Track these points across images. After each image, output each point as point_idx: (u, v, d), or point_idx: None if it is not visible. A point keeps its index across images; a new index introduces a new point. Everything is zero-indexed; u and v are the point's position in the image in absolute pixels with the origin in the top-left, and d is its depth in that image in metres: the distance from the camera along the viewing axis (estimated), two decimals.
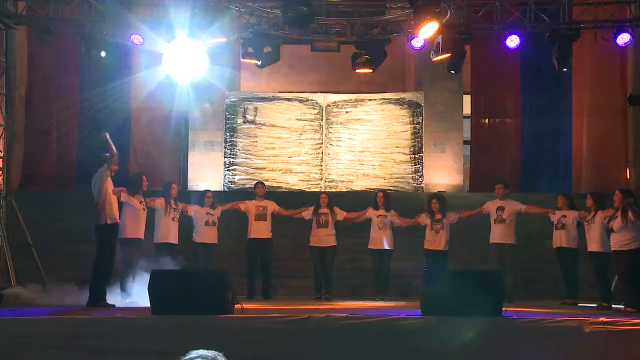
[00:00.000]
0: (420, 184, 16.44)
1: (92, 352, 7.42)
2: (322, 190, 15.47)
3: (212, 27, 11.66)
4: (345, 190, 16.26)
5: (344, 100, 16.93)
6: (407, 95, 17.05)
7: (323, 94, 17.11)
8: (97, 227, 10.00)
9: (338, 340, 7.54)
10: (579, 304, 11.43)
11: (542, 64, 13.50)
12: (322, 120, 16.77)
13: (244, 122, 16.78)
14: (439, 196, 12.74)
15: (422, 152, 16.60)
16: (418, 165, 16.57)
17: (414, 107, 16.76)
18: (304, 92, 17.40)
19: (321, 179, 16.51)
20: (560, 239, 11.87)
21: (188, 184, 16.60)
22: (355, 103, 16.91)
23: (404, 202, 14.13)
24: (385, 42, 13.40)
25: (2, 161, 13.09)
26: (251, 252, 12.43)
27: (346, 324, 7.63)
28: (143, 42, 13.04)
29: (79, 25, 12.85)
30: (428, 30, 11.53)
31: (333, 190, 15.79)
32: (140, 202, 11.06)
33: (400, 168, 16.65)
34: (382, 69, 14.25)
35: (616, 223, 10.35)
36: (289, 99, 17.01)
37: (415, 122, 16.74)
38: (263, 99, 17.01)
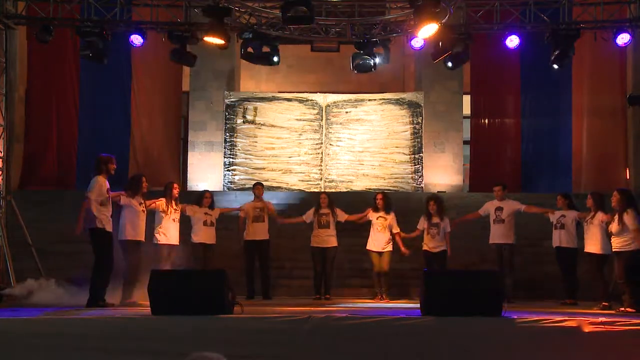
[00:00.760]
0: (420, 184, 16.45)
1: (92, 351, 7.41)
2: (322, 190, 15.46)
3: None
4: (345, 190, 16.27)
5: (344, 101, 16.95)
6: (407, 96, 17.06)
7: (323, 94, 17.13)
8: (91, 230, 9.99)
9: (338, 341, 7.53)
10: (579, 304, 11.43)
11: (542, 64, 13.49)
12: (321, 121, 16.78)
13: (243, 122, 16.80)
14: (436, 198, 12.68)
15: (422, 152, 16.61)
16: (418, 166, 16.58)
17: (413, 107, 16.77)
18: (303, 92, 17.43)
19: (321, 179, 16.52)
20: (559, 238, 11.89)
21: (188, 183, 16.63)
22: (355, 103, 16.93)
23: (403, 202, 14.15)
24: (385, 43, 13.41)
25: (2, 161, 13.09)
26: (249, 252, 12.38)
27: (346, 325, 7.61)
28: (143, 42, 13.07)
29: (78, 25, 12.82)
30: (428, 30, 11.55)
31: (333, 190, 15.79)
32: (140, 204, 10.94)
33: (400, 168, 16.66)
34: (381, 69, 14.26)
35: (614, 227, 10.39)
36: (288, 99, 17.03)
37: (415, 122, 16.75)
38: (263, 99, 17.03)
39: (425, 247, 12.16)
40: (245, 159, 16.66)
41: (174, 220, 11.69)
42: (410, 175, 16.62)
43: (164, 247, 11.53)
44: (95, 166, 10.18)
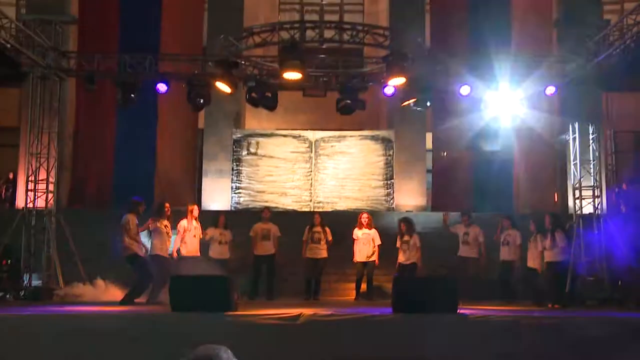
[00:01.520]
0: (391, 205, 16.44)
1: (124, 340, 7.39)
2: (312, 209, 15.47)
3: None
4: (330, 210, 16.22)
5: (330, 137, 16.96)
6: (381, 133, 17.09)
7: (312, 131, 17.13)
8: (128, 257, 10.50)
9: (324, 332, 7.51)
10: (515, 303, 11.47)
11: None
12: (311, 153, 16.78)
13: (247, 153, 16.78)
14: (405, 220, 12.52)
15: (393, 179, 16.62)
16: (390, 190, 16.57)
17: (386, 142, 16.80)
18: (296, 130, 17.42)
19: (311, 201, 16.50)
20: (505, 253, 11.94)
21: (202, 204, 16.55)
22: (338, 139, 16.95)
23: (377, 219, 14.10)
24: (363, 90, 13.44)
25: (54, 186, 13.04)
26: (258, 265, 12.22)
27: (330, 320, 7.61)
28: (167, 89, 13.07)
29: (116, 76, 12.84)
30: (397, 80, 11.62)
31: (320, 209, 15.73)
32: (165, 227, 11.15)
33: (375, 192, 16.65)
34: (360, 111, 14.27)
35: (547, 243, 10.52)
36: (284, 135, 17.03)
37: (387, 154, 16.77)
38: (263, 135, 17.03)
39: (399, 260, 12.09)
40: (249, 183, 16.63)
41: (194, 236, 11.66)
42: (384, 198, 16.60)
43: (187, 258, 11.49)
44: (129, 207, 10.47)
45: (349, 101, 13.01)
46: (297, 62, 10.86)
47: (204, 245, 12.09)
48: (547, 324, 7.52)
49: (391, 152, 16.73)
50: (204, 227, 12.08)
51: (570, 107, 13.50)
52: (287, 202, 16.41)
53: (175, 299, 7.98)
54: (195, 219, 11.83)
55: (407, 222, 12.33)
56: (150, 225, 11.12)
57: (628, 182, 17.38)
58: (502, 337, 7.41)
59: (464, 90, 12.95)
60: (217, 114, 16.94)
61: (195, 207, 12.15)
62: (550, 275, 10.72)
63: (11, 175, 17.37)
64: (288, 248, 12.74)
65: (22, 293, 11.55)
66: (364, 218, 12.37)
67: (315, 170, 16.70)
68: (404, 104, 13.04)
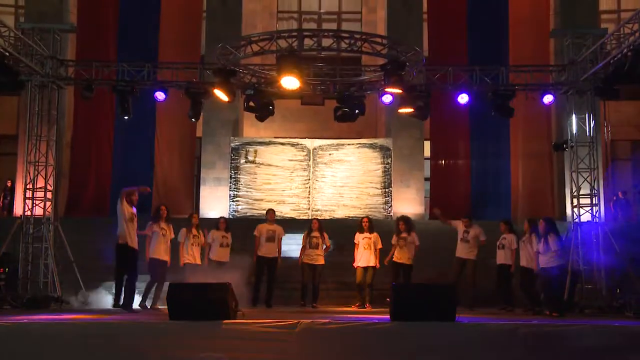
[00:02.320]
0: (389, 213, 16.44)
1: (119, 350, 7.34)
2: (310, 217, 15.41)
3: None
4: (328, 218, 16.21)
5: (328, 145, 16.98)
6: (379, 141, 17.11)
7: (310, 139, 17.15)
8: (116, 245, 10.33)
9: (322, 341, 7.47)
10: (514, 311, 11.44)
11: (486, 117, 13.58)
12: (309, 161, 16.79)
13: (245, 162, 16.79)
14: (404, 218, 12.57)
15: (391, 187, 16.63)
16: (387, 198, 16.58)
17: (384, 151, 16.82)
18: (294, 138, 17.44)
19: (309, 209, 16.49)
20: (501, 257, 11.91)
21: (200, 212, 16.54)
22: (336, 147, 16.96)
23: (376, 227, 14.06)
24: (361, 98, 13.45)
25: (52, 194, 13.02)
26: (260, 266, 12.03)
27: (329, 328, 7.57)
28: (165, 98, 13.07)
29: (114, 84, 12.84)
30: (394, 89, 11.62)
31: (318, 218, 15.68)
32: (162, 229, 11.19)
33: (373, 200, 16.66)
34: (358, 119, 14.29)
35: (541, 247, 10.47)
36: (282, 143, 17.05)
37: (385, 162, 16.78)
38: (261, 143, 17.04)
39: (395, 259, 12.06)
40: (247, 192, 16.62)
41: (192, 244, 11.63)
42: (382, 206, 16.61)
43: (186, 266, 11.47)
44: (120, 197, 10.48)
45: (346, 109, 13.01)
46: (295, 71, 10.85)
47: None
48: (546, 332, 7.48)
49: (389, 160, 16.75)
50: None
51: (567, 116, 13.51)
52: (285, 210, 16.40)
53: (173, 307, 7.94)
54: (197, 227, 11.81)
55: (405, 221, 12.34)
56: (147, 230, 11.22)
57: (624, 190, 17.42)
58: (501, 345, 7.38)
59: (462, 99, 12.97)
60: (215, 123, 16.97)
61: (195, 215, 12.16)
62: (545, 280, 10.69)
63: (9, 183, 17.37)
64: (284, 257, 12.70)
65: (19, 301, 11.50)
66: (364, 222, 12.31)
67: (314, 178, 16.70)
68: (401, 110, 13.00)
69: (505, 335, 7.49)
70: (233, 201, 16.54)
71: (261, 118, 13.14)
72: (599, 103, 14.70)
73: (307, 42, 11.12)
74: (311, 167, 16.75)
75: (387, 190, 16.62)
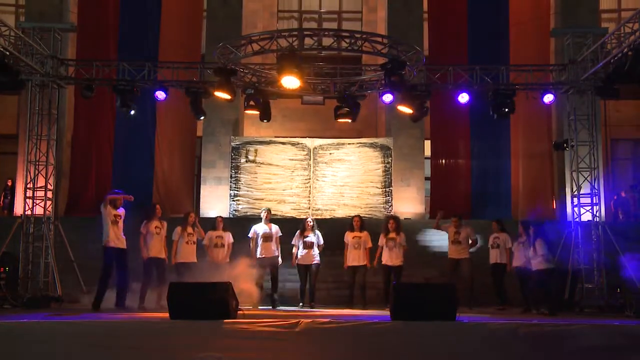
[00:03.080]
0: (390, 212, 16.40)
1: (119, 349, 7.34)
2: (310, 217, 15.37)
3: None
4: (329, 217, 16.21)
5: (328, 144, 16.95)
6: (379, 140, 17.08)
7: (311, 138, 17.12)
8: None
9: (322, 340, 7.47)
10: (508, 310, 11.47)
11: (487, 116, 13.57)
12: (310, 160, 16.77)
13: (246, 161, 16.76)
14: (394, 217, 12.42)
15: (392, 186, 16.60)
16: (388, 197, 16.56)
17: (384, 150, 16.79)
18: (295, 137, 17.42)
19: (309, 208, 16.48)
20: (494, 256, 11.93)
21: (200, 211, 16.54)
22: (337, 146, 16.94)
23: (376, 227, 14.05)
24: (361, 98, 13.45)
25: (52, 193, 13.02)
26: (261, 268, 11.86)
27: (329, 328, 7.56)
28: (165, 97, 13.07)
29: (115, 84, 12.84)
30: (394, 87, 11.62)
31: (319, 217, 15.68)
32: (156, 227, 11.41)
33: (373, 199, 16.63)
34: (358, 118, 14.27)
35: (530, 252, 10.63)
36: (283, 143, 17.02)
37: (385, 162, 16.76)
38: (262, 143, 17.01)
39: (385, 262, 11.86)
40: (247, 191, 16.61)
41: (187, 242, 11.64)
42: (382, 205, 16.58)
43: (182, 265, 11.50)
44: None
45: (347, 109, 13.01)
46: (296, 70, 10.84)
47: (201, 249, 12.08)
48: (547, 331, 7.48)
49: (389, 160, 16.73)
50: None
51: (568, 115, 13.51)
52: (286, 210, 16.38)
53: (174, 307, 7.94)
54: (193, 226, 11.81)
55: (396, 220, 12.16)
56: (142, 229, 11.31)
57: (626, 189, 17.42)
58: (501, 344, 7.38)
59: (462, 98, 12.97)
60: (216, 122, 16.96)
61: (192, 214, 12.14)
62: (537, 282, 10.79)
63: (9, 183, 17.37)
64: (286, 254, 12.73)
65: (20, 300, 11.50)
66: (355, 221, 12.16)
67: (314, 177, 16.68)
68: (400, 107, 12.94)
69: (505, 334, 7.49)
70: (233, 200, 16.53)
71: (264, 117, 13.13)
72: (600, 102, 14.71)
73: (308, 41, 11.11)
74: (311, 167, 16.74)
75: (387, 189, 16.61)
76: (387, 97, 12.98)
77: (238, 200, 16.54)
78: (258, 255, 11.92)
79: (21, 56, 11.95)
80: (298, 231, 12.17)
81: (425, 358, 7.33)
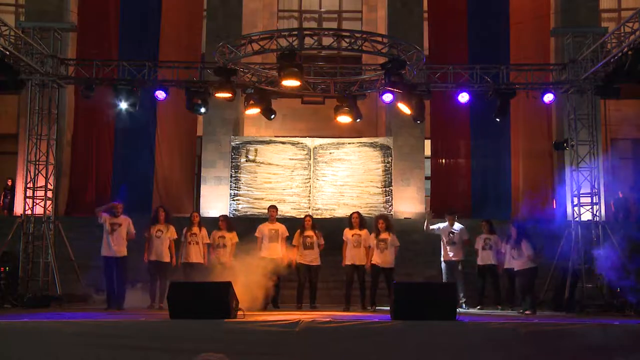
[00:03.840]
0: (390, 212, 16.40)
1: (122, 349, 7.34)
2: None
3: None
4: (328, 217, 16.20)
5: (328, 144, 16.95)
6: (379, 140, 17.07)
7: (311, 138, 17.12)
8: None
9: (323, 340, 7.47)
10: (502, 309, 11.48)
11: (487, 116, 13.56)
12: (310, 160, 16.76)
13: (246, 161, 16.76)
14: (384, 217, 11.94)
15: (392, 186, 16.60)
16: (388, 197, 16.55)
17: (384, 149, 16.78)
18: (295, 137, 17.41)
19: (309, 208, 16.47)
20: (488, 257, 11.88)
21: (201, 211, 16.52)
22: (337, 146, 16.93)
23: None
24: (361, 97, 13.43)
25: (52, 193, 13.02)
26: (264, 269, 11.36)
27: (329, 327, 7.57)
28: (166, 97, 13.06)
29: (115, 83, 12.83)
30: (395, 87, 11.59)
31: (319, 217, 15.66)
32: (157, 231, 11.50)
33: (373, 199, 16.62)
34: (358, 118, 14.27)
35: (515, 253, 10.69)
36: (283, 142, 17.01)
37: (385, 161, 16.75)
38: (262, 142, 17.01)
39: (374, 262, 11.40)
40: (247, 191, 16.60)
41: (190, 243, 11.62)
42: (382, 205, 16.58)
43: (186, 265, 11.51)
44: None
45: (347, 108, 12.99)
46: (296, 70, 10.83)
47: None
48: (547, 331, 7.49)
49: (390, 159, 16.72)
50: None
51: (568, 114, 13.50)
52: (286, 209, 16.36)
53: (174, 306, 7.94)
54: (198, 226, 11.78)
55: (386, 219, 11.70)
56: (145, 233, 11.44)
57: (625, 189, 17.41)
58: (502, 344, 7.38)
59: (462, 97, 12.96)
60: (216, 121, 16.96)
61: (195, 214, 12.12)
62: (520, 281, 10.83)
63: (10, 182, 17.37)
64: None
65: (20, 300, 11.49)
66: (354, 218, 11.73)
67: (314, 177, 16.68)
68: (399, 104, 12.91)
69: (505, 334, 7.49)
70: (233, 200, 16.52)
71: (268, 115, 13.13)
72: (600, 102, 14.70)
73: (308, 41, 11.09)
74: (311, 166, 16.73)
75: (387, 189, 16.60)
76: (387, 97, 12.91)
77: (238, 199, 16.53)
78: (262, 256, 11.68)
79: (21, 56, 11.94)
80: (298, 231, 12.08)
81: (425, 358, 7.33)
